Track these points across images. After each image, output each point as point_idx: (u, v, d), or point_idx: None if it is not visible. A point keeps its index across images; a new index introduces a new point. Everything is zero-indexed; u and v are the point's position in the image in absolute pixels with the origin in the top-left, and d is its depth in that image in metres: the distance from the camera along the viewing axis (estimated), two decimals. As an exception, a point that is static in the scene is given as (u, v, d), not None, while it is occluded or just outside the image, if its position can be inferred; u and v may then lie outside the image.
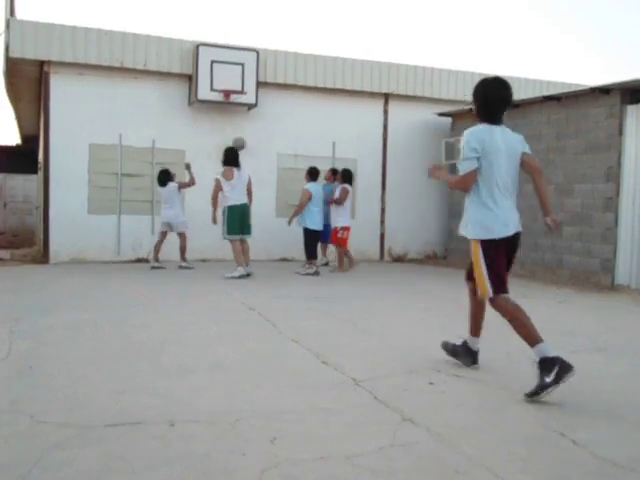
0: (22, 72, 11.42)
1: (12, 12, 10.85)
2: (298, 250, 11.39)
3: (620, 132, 9.08)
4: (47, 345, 4.69)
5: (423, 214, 13.41)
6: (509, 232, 3.85)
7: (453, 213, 12.84)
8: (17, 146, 21.74)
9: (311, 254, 10.02)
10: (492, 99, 3.91)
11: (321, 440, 2.88)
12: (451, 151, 12.39)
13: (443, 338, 4.43)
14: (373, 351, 4.74)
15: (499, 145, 3.85)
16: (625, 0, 43.73)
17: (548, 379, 3.49)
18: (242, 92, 11.21)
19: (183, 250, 10.34)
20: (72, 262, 10.82)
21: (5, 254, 12.37)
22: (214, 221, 9.30)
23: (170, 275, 9.43)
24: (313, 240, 10.07)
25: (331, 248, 11.09)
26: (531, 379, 3.81)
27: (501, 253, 3.85)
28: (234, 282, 8.65)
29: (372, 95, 12.84)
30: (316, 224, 10.00)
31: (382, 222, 13.14)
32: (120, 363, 4.18)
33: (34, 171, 18.14)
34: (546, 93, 10.78)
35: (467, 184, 3.86)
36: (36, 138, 17.10)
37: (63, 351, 4.51)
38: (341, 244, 10.37)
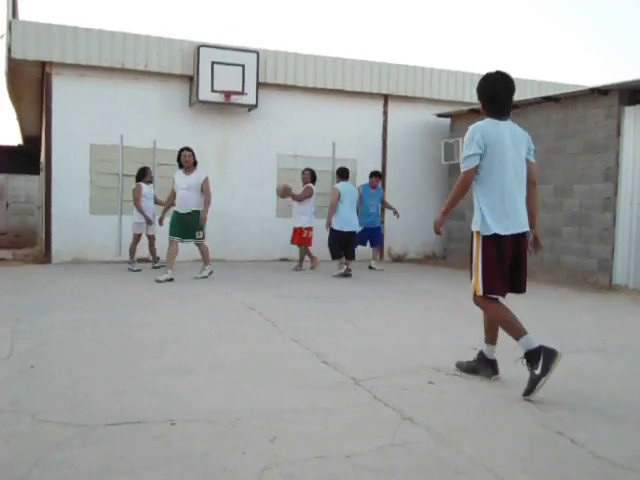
0: (24, 73, 11.44)
1: (14, 13, 10.87)
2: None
3: (618, 133, 9.10)
4: (48, 345, 4.70)
5: (423, 214, 13.40)
6: (515, 229, 3.75)
7: (452, 214, 12.83)
8: (19, 146, 21.75)
9: (335, 254, 9.89)
10: (497, 93, 3.87)
11: (321, 439, 2.89)
12: (450, 152, 12.40)
13: (443, 337, 4.43)
14: (373, 351, 4.75)
15: (505, 139, 3.78)
16: None
17: (537, 371, 3.49)
18: (242, 93, 11.23)
19: (131, 250, 10.13)
20: (74, 262, 10.83)
21: (7, 254, 12.38)
22: (204, 221, 8.99)
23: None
24: (338, 240, 9.83)
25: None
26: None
27: (503, 251, 3.72)
28: (234, 282, 8.67)
29: (372, 96, 12.86)
30: (343, 224, 9.80)
31: (382, 222, 13.14)
32: (120, 363, 4.20)
33: (36, 171, 18.15)
34: (545, 94, 10.79)
35: (467, 182, 3.79)
36: (38, 139, 17.12)
37: (64, 351, 4.52)
38: (305, 244, 10.44)
